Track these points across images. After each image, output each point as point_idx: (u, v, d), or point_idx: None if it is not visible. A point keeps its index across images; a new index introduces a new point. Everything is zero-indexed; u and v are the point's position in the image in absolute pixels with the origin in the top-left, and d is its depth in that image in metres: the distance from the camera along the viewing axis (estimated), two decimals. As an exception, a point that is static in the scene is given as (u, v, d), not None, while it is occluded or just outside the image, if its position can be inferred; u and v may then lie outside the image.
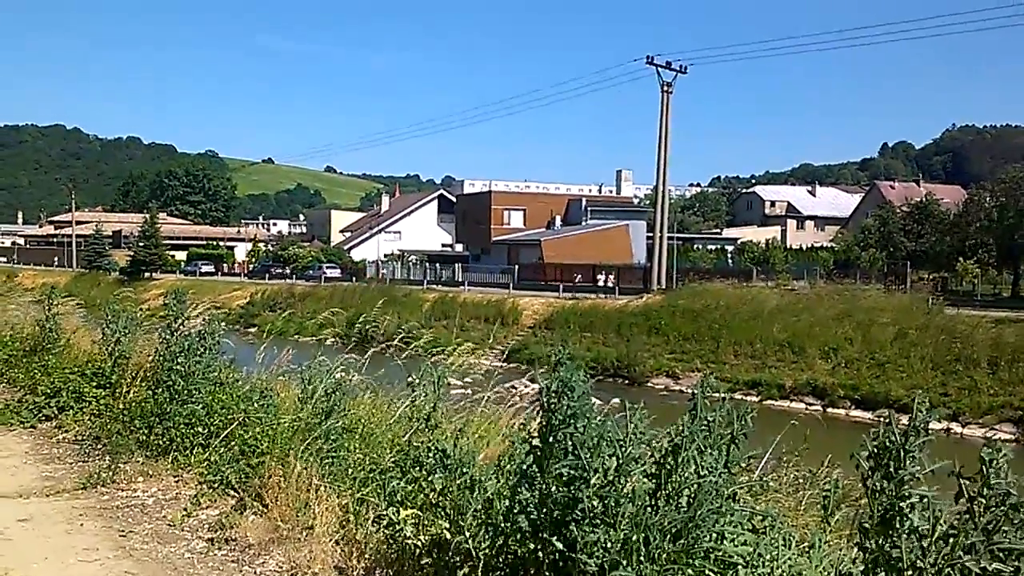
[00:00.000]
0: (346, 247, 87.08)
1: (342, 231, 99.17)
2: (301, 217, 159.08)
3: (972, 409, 26.84)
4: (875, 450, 3.15)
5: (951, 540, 2.86)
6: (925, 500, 2.98)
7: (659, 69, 44.39)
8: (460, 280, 59.35)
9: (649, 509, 3.52)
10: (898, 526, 2.99)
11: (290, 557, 5.17)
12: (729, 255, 69.06)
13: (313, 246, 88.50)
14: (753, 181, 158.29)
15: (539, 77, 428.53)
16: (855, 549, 3.52)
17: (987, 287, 47.63)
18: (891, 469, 3.09)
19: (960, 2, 50.33)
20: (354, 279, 63.80)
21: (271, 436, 6.35)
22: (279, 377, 8.78)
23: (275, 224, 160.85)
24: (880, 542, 3.01)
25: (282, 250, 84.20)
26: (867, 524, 3.15)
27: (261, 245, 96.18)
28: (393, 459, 5.68)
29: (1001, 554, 2.79)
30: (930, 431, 3.13)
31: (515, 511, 3.85)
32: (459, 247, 77.30)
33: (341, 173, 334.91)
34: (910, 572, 2.92)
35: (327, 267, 72.40)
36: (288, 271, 73.84)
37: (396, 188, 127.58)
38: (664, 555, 3.42)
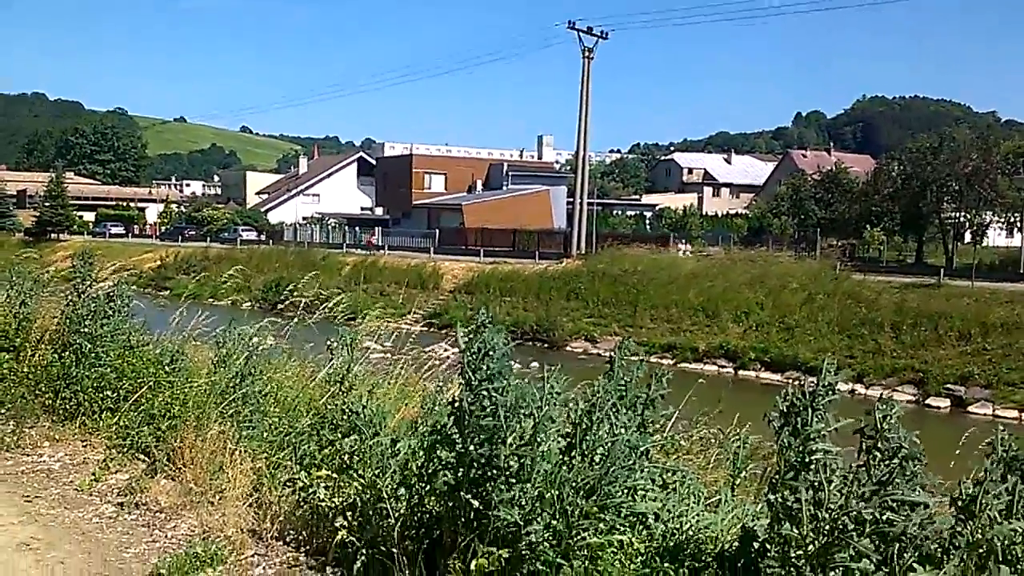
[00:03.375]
0: (263, 209, 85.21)
1: (258, 193, 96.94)
2: (216, 178, 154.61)
3: (876, 371, 27.88)
4: (785, 409, 3.27)
5: (845, 491, 2.98)
6: (825, 455, 3.10)
7: (580, 34, 44.37)
8: (380, 244, 58.83)
9: (564, 467, 3.58)
10: (801, 480, 3.11)
11: (202, 520, 5.11)
12: (647, 221, 69.98)
13: (228, 208, 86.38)
14: (671, 148, 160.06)
15: (461, 40, 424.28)
16: (760, 505, 3.65)
17: (892, 254, 49.24)
18: (798, 426, 3.21)
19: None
20: (271, 242, 62.73)
21: (183, 400, 6.25)
22: (192, 341, 8.63)
23: (188, 185, 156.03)
24: (785, 495, 3.12)
25: (196, 212, 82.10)
26: (775, 479, 3.26)
27: (174, 206, 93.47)
28: (309, 422, 5.66)
29: (894, 504, 2.92)
30: (837, 392, 3.25)
31: (429, 471, 3.87)
32: (379, 211, 76.43)
33: (257, 133, 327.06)
34: (810, 523, 3.04)
35: (243, 230, 70.91)
36: (202, 233, 72.02)
37: (315, 150, 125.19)
38: (577, 510, 3.49)
